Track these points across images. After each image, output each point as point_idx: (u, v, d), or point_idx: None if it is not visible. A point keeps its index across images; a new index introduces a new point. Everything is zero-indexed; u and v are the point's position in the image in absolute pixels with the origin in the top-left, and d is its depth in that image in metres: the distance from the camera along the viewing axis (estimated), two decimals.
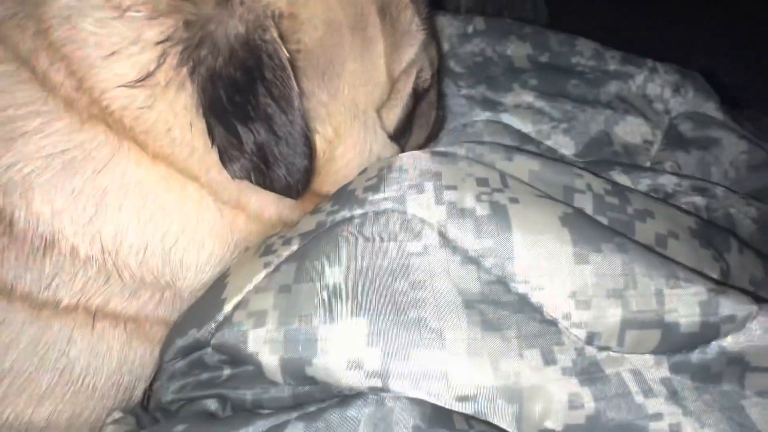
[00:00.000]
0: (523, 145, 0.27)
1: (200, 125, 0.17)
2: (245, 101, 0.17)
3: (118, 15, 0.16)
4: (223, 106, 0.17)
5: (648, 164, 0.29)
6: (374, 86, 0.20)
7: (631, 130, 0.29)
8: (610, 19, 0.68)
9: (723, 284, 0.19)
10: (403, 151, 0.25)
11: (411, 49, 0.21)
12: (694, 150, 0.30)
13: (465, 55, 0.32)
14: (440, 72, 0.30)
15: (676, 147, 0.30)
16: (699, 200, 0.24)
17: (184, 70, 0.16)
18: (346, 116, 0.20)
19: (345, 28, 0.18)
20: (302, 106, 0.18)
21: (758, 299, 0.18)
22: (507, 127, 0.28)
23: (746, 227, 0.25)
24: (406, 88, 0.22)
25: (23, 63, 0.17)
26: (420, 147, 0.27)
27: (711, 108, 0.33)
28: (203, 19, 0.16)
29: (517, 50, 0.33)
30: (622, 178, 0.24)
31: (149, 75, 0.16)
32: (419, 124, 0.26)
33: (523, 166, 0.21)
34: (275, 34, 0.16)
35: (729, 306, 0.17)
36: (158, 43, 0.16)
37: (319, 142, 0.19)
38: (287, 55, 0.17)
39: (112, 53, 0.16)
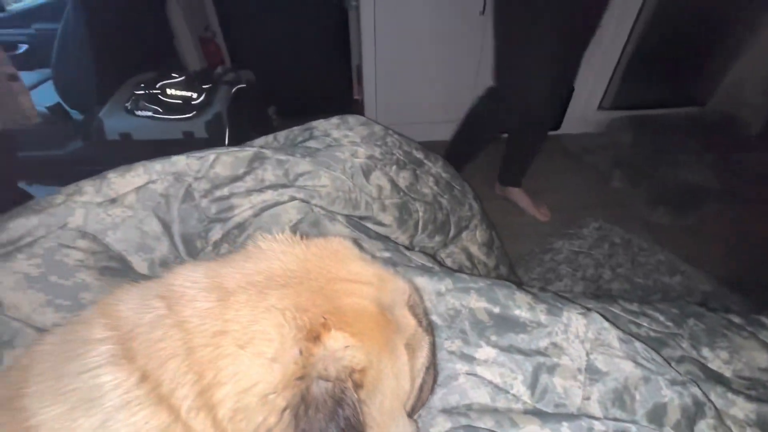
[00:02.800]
0: (496, 395, 0.37)
1: None
2: None
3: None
4: None
5: (579, 400, 0.40)
6: (403, 393, 0.30)
7: (563, 373, 0.41)
8: None
9: None
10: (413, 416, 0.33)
11: (423, 355, 0.32)
12: (609, 382, 0.42)
13: (442, 310, 0.45)
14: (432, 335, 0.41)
15: (596, 381, 0.42)
16: None
17: (290, 421, 0.24)
18: (386, 419, 0.28)
19: (388, 367, 0.29)
20: (362, 424, 0.26)
21: None
22: (482, 380, 0.39)
23: None
24: (420, 380, 0.32)
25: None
26: (423, 404, 0.36)
27: (614, 338, 0.47)
28: (308, 384, 0.25)
29: (476, 303, 0.46)
30: (564, 430, 0.34)
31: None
32: (423, 390, 0.36)
33: None
34: (351, 386, 0.26)
35: None
36: (282, 410, 0.24)
37: None
38: (357, 396, 0.26)
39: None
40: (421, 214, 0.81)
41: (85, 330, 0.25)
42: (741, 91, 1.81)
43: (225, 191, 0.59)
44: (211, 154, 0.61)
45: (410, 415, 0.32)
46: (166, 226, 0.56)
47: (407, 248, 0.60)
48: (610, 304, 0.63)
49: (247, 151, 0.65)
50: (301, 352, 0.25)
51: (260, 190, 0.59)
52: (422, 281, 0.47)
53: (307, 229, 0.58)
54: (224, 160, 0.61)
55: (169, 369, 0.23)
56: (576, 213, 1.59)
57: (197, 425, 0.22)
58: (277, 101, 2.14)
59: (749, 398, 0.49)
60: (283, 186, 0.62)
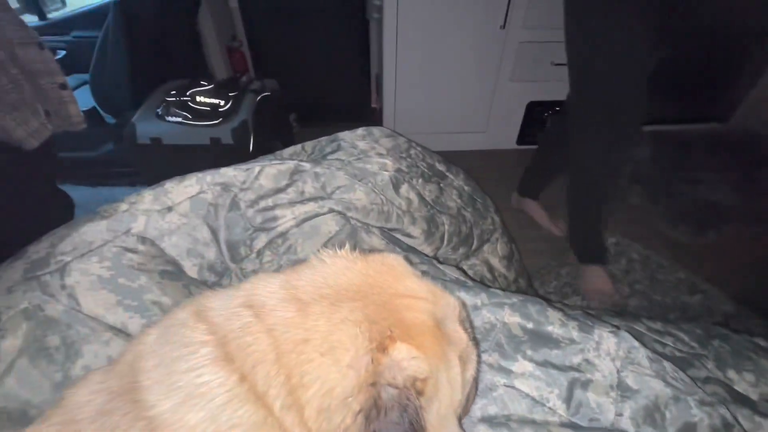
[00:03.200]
0: (533, 407, 0.40)
1: None
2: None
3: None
4: None
5: (612, 416, 0.42)
6: (456, 401, 0.33)
7: (596, 389, 0.43)
8: None
9: None
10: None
11: (472, 367, 0.35)
12: (640, 400, 0.44)
13: (478, 324, 0.48)
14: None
15: (627, 398, 0.44)
16: None
17: (363, 422, 0.27)
18: (441, 424, 0.31)
19: (444, 377, 0.31)
20: (423, 428, 0.29)
21: None
22: (520, 392, 0.41)
23: None
24: (467, 390, 0.35)
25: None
26: (466, 413, 0.39)
27: (643, 357, 0.49)
28: (378, 390, 0.28)
29: (511, 318, 0.49)
30: None
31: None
32: (469, 399, 0.38)
33: None
34: (414, 394, 0.28)
35: None
36: (357, 413, 0.27)
37: None
38: (419, 403, 0.28)
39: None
40: (447, 227, 0.84)
41: (187, 332, 0.28)
42: (766, 108, 1.79)
43: (269, 202, 0.62)
44: (256, 167, 0.65)
45: (459, 421, 0.34)
46: (214, 233, 0.59)
47: (439, 261, 0.63)
48: (634, 323, 0.65)
49: (288, 164, 0.68)
50: (372, 361, 0.28)
51: (302, 202, 0.63)
52: (459, 295, 0.50)
53: (345, 239, 0.61)
54: (268, 172, 0.65)
55: (262, 371, 0.26)
56: None
57: (287, 421, 0.25)
58: (298, 108, 2.20)
59: None
60: (322, 198, 0.66)
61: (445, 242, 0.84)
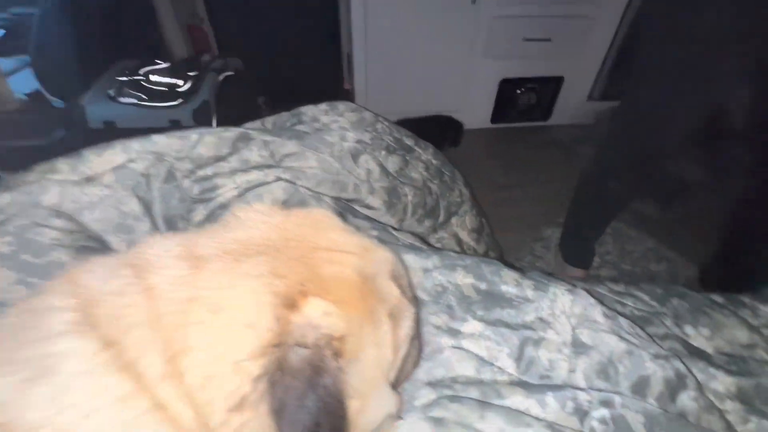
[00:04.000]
0: (482, 367, 0.37)
1: None
2: (306, 407, 0.24)
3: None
4: (290, 411, 0.24)
5: (565, 372, 0.40)
6: (385, 362, 0.29)
7: (548, 347, 0.41)
8: None
9: None
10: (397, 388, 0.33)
11: (407, 326, 0.31)
12: (594, 355, 0.42)
13: (429, 287, 0.45)
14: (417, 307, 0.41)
15: (581, 354, 0.42)
16: (606, 413, 0.35)
17: (266, 389, 0.24)
18: (367, 388, 0.28)
19: (370, 336, 0.28)
20: (342, 393, 0.25)
21: None
22: (468, 353, 0.38)
23: (638, 429, 0.35)
24: (402, 351, 0.32)
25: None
26: (407, 376, 0.36)
27: (599, 314, 0.47)
28: (284, 352, 0.24)
29: (464, 280, 0.46)
30: (549, 399, 0.34)
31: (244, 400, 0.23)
32: (407, 362, 0.35)
33: (493, 422, 0.30)
34: (330, 354, 0.25)
35: None
36: (257, 378, 0.23)
37: (351, 413, 0.27)
38: (336, 364, 0.25)
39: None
40: (410, 198, 0.81)
41: (47, 299, 0.23)
42: None
43: (208, 171, 0.57)
44: (193, 134, 0.60)
45: (394, 386, 0.31)
46: (147, 207, 0.54)
47: (395, 229, 0.59)
48: (596, 285, 0.64)
49: (231, 132, 0.63)
50: (277, 319, 0.24)
51: (245, 170, 0.58)
52: (409, 258, 0.47)
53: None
54: (208, 140, 0.60)
55: (134, 336, 0.22)
56: (566, 204, 1.60)
57: (164, 393, 0.21)
58: (267, 90, 2.11)
59: (729, 372, 0.50)
60: (269, 166, 0.61)
61: (410, 213, 0.81)
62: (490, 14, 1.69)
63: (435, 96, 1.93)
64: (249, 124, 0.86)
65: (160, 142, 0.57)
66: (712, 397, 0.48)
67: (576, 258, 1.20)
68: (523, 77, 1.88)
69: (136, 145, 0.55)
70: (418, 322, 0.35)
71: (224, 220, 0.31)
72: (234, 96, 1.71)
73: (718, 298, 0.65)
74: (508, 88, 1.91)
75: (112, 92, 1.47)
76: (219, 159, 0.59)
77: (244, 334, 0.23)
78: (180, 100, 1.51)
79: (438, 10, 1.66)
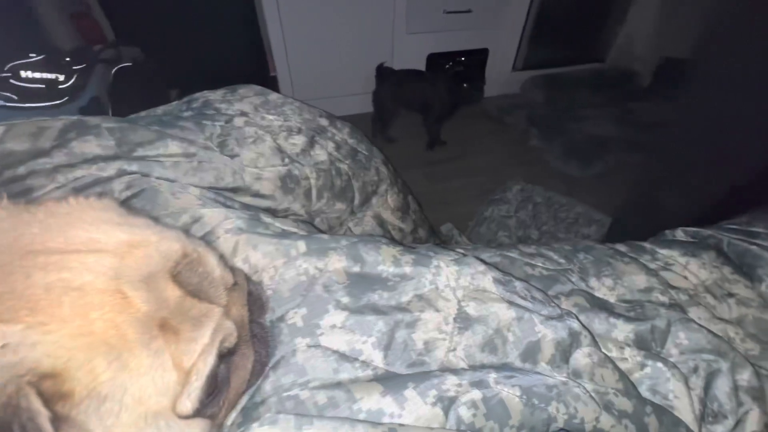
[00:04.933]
0: (340, 365, 0.31)
1: None
2: None
3: None
4: None
5: (443, 353, 0.35)
6: (165, 389, 0.22)
7: (425, 327, 0.36)
8: None
9: None
10: (219, 413, 0.26)
11: (205, 333, 0.24)
12: (479, 328, 0.38)
13: (290, 277, 0.38)
14: (263, 308, 0.34)
15: (465, 330, 0.38)
16: (476, 395, 0.31)
17: None
18: (143, 428, 0.21)
19: (122, 361, 0.20)
20: None
21: None
22: (325, 351, 0.32)
23: (515, 405, 0.31)
24: (206, 367, 0.24)
25: None
26: (246, 390, 0.29)
27: (489, 281, 0.44)
28: None
29: (336, 264, 0.40)
30: (409, 393, 0.29)
31: None
32: (237, 374, 0.28)
33: None
34: (33, 396, 0.17)
35: None
36: None
37: None
38: (48, 413, 0.17)
39: None
40: (312, 181, 0.73)
41: None
42: (632, 47, 1.93)
43: (20, 170, 0.45)
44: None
45: (201, 412, 0.24)
46: None
47: (275, 216, 0.52)
48: (508, 250, 0.61)
49: (59, 120, 0.51)
50: None
51: (72, 166, 0.47)
52: (268, 248, 0.40)
53: (142, 206, 0.47)
54: (19, 132, 0.47)
55: None
56: (501, 173, 1.61)
57: None
58: (181, 83, 1.90)
59: (628, 320, 0.49)
60: (112, 158, 0.50)
61: (314, 198, 0.73)
62: None
63: (363, 77, 1.85)
64: (132, 116, 0.73)
65: None
66: (612, 347, 0.46)
67: None
68: (450, 51, 1.85)
69: None
70: (244, 320, 0.28)
71: None
72: (135, 90, 1.52)
73: (621, 247, 0.65)
74: (436, 64, 1.87)
75: None
76: (38, 155, 0.47)
77: None
78: (65, 98, 1.30)
79: None
